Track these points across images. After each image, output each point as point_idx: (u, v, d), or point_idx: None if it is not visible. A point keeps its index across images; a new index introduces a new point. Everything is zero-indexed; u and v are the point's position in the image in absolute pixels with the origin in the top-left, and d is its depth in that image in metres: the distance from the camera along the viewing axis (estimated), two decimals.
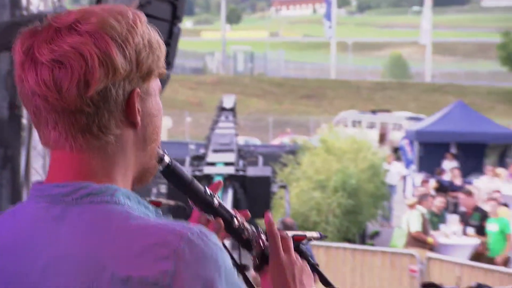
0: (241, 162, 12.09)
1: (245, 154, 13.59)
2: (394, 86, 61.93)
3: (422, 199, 13.95)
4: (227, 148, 12.31)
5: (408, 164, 25.02)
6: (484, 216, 13.77)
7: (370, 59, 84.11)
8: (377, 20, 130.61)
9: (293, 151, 19.72)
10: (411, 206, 13.64)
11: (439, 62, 75.87)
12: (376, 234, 18.36)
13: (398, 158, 26.75)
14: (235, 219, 1.73)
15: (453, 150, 23.70)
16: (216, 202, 1.72)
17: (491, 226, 13.46)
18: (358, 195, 16.56)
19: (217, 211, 1.71)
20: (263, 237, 1.75)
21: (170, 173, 1.67)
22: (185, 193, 1.71)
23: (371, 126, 36.77)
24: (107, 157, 1.48)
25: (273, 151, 22.25)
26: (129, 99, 1.47)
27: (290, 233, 1.92)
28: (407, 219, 13.36)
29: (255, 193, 10.80)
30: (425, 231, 12.98)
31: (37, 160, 7.86)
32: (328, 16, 64.68)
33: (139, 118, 1.49)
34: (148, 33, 1.50)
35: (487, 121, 25.47)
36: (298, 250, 1.84)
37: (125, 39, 1.45)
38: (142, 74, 1.48)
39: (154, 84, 1.54)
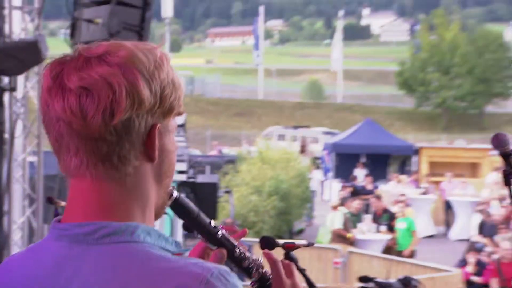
0: (191, 171, 11.88)
1: (194, 164, 13.41)
2: (311, 106, 62.41)
3: (344, 201, 13.92)
4: (179, 159, 12.06)
5: (326, 171, 25.10)
6: (391, 216, 13.78)
7: (291, 83, 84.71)
8: (296, 51, 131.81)
9: (232, 160, 19.57)
10: (335, 208, 13.58)
11: (348, 86, 76.57)
12: (301, 231, 18.29)
13: (316, 167, 26.80)
14: (236, 249, 1.57)
15: (363, 159, 23.83)
16: (220, 233, 1.55)
17: (400, 224, 13.49)
18: (289, 199, 16.49)
19: (220, 242, 1.55)
20: (262, 264, 1.59)
21: (178, 207, 1.49)
22: (191, 225, 1.54)
23: (293, 139, 36.84)
24: (126, 189, 1.29)
25: (214, 161, 22.00)
26: (150, 133, 1.29)
27: (281, 241, 1.85)
28: (331, 219, 13.30)
29: (204, 197, 10.69)
30: (346, 228, 12.94)
31: (17, 170, 7.62)
32: (256, 46, 64.96)
33: (157, 153, 1.30)
34: (172, 72, 1.34)
35: (390, 136, 25.76)
36: (288, 256, 1.76)
37: (152, 74, 1.28)
38: (164, 110, 1.31)
39: (173, 121, 1.36)
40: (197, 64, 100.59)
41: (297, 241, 1.86)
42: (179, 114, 1.36)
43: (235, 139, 44.29)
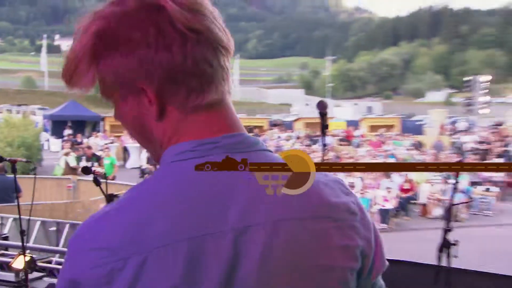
0: None
1: None
2: (28, 92, 56.26)
3: (71, 149, 12.63)
4: None
5: (46, 131, 22.87)
6: (98, 158, 12.74)
7: (12, 78, 75.66)
8: (13, 58, 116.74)
9: None
10: (67, 154, 12.22)
11: (51, 81, 69.58)
12: (35, 168, 16.18)
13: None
14: None
15: (70, 124, 22.24)
16: None
17: (106, 161, 12.71)
18: (32, 149, 14.38)
19: None
20: None
21: None
22: None
23: (18, 112, 32.42)
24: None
25: None
26: None
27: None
28: (65, 160, 11.97)
29: None
30: (77, 165, 11.76)
31: None
32: None
33: None
34: None
35: (86, 110, 24.58)
36: None
37: None
38: None
39: None
40: None
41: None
42: None
43: None
